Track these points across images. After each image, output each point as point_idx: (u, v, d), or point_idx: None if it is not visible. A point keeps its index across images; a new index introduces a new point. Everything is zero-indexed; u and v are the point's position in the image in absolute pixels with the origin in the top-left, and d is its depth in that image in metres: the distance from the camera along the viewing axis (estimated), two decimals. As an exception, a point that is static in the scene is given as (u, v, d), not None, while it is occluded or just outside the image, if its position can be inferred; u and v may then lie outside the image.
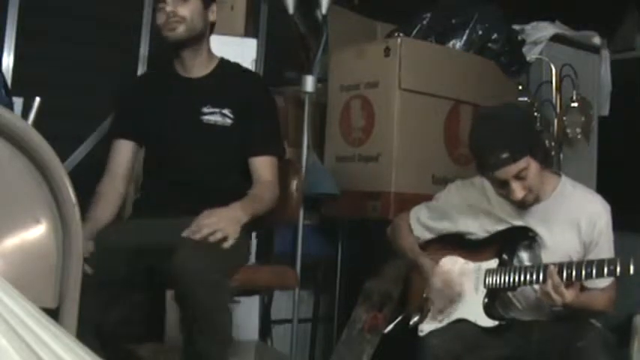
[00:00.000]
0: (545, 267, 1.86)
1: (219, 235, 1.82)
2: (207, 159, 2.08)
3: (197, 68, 2.13)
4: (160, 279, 1.88)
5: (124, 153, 2.14)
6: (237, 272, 1.93)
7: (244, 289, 2.14)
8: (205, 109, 2.08)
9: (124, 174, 2.14)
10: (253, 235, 2.44)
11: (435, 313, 2.05)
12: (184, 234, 1.82)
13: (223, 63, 2.19)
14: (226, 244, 1.83)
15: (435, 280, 2.06)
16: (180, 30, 2.05)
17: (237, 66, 2.23)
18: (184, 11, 2.05)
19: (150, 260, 1.87)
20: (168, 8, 2.04)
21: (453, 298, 2.03)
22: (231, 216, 1.89)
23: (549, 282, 1.82)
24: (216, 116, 2.09)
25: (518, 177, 1.87)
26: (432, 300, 2.05)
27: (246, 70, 2.27)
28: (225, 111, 2.09)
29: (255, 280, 2.12)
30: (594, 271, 1.78)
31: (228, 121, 2.09)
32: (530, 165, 1.86)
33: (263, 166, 2.11)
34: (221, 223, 1.84)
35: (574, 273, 1.80)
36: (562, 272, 1.82)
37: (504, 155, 1.84)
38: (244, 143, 2.10)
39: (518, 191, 1.88)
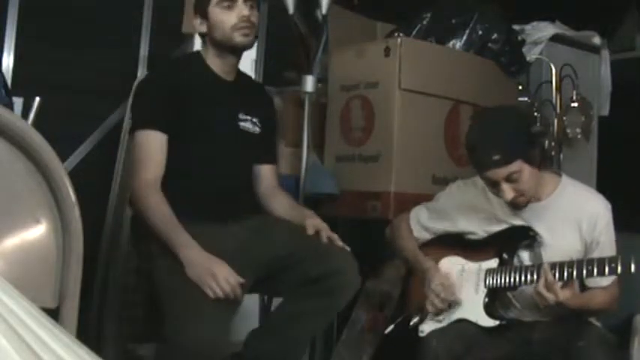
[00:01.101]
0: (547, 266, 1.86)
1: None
2: (241, 164, 2.11)
3: (231, 73, 2.11)
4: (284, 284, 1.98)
5: (163, 147, 1.92)
6: None
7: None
8: (241, 116, 2.09)
9: (162, 174, 1.92)
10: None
11: (435, 314, 2.05)
12: (325, 240, 1.96)
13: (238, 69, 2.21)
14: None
15: (436, 282, 2.05)
16: (251, 37, 2.02)
17: (245, 74, 2.26)
18: (254, 18, 2.02)
19: (275, 266, 1.96)
20: (245, 12, 1.98)
21: (453, 299, 2.03)
22: None
23: (542, 280, 1.82)
24: (248, 124, 2.10)
25: (509, 179, 1.87)
26: (433, 301, 2.05)
27: (255, 80, 2.36)
28: (255, 119, 2.12)
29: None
30: (595, 270, 1.78)
31: (257, 130, 2.13)
32: (522, 169, 1.86)
33: (272, 174, 2.20)
34: None
35: (575, 272, 1.81)
36: (563, 271, 1.82)
37: (496, 157, 1.84)
38: (263, 151, 2.17)
39: (507, 193, 1.89)
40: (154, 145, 1.91)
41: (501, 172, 1.86)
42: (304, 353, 2.09)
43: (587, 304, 1.93)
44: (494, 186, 1.93)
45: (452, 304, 2.03)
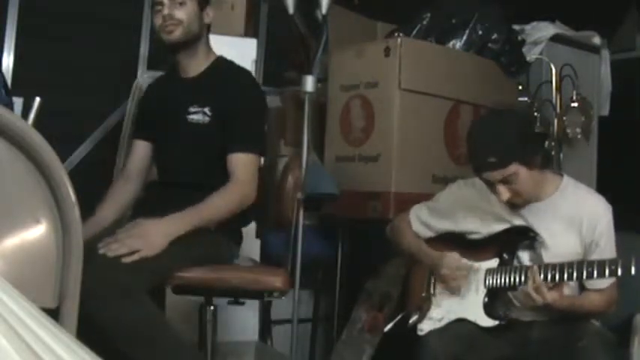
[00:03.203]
0: (546, 267, 1.86)
1: (123, 251, 1.76)
2: (191, 158, 2.11)
3: (193, 68, 2.16)
4: None
5: (138, 152, 2.23)
6: (171, 273, 1.87)
7: (241, 292, 2.10)
8: (191, 109, 2.10)
9: (138, 173, 2.21)
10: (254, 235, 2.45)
11: (437, 308, 2.05)
12: (100, 244, 1.77)
13: (219, 62, 2.19)
14: (129, 259, 1.75)
15: (447, 264, 2.05)
16: (177, 33, 2.08)
17: (231, 64, 2.20)
18: (181, 14, 2.08)
19: None
20: (165, 11, 2.07)
21: (459, 284, 2.03)
22: (160, 231, 1.84)
23: (530, 282, 1.83)
24: (199, 115, 2.10)
25: (505, 181, 1.88)
26: (448, 282, 2.04)
27: (237, 68, 2.20)
28: (206, 109, 2.09)
29: (246, 282, 2.05)
30: (595, 272, 1.78)
31: (207, 119, 2.09)
32: (518, 172, 1.86)
33: (238, 164, 2.04)
34: (140, 240, 1.79)
35: (575, 273, 1.81)
36: (563, 272, 1.82)
37: (491, 159, 1.85)
38: (223, 139, 2.06)
39: (503, 194, 1.90)
40: (131, 153, 2.25)
41: (497, 174, 1.87)
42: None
43: (580, 306, 1.93)
44: (490, 186, 1.94)
45: (458, 289, 2.03)
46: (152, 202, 2.10)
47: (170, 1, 2.08)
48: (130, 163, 2.24)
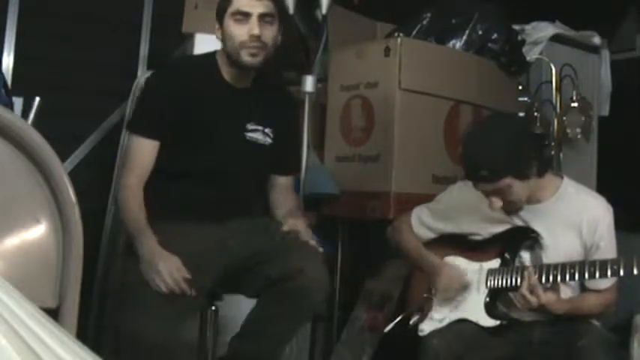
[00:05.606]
0: (547, 267, 1.86)
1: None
2: (245, 174, 2.06)
3: (245, 81, 2.05)
4: (256, 283, 1.95)
5: (152, 154, 1.95)
6: None
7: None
8: (249, 126, 2.04)
9: (146, 178, 1.95)
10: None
11: (438, 309, 2.05)
12: (305, 238, 1.94)
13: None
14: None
15: (442, 276, 2.05)
16: (260, 58, 1.95)
17: (266, 77, 2.17)
18: (268, 36, 1.94)
19: (247, 266, 1.93)
20: (255, 31, 1.90)
21: (457, 294, 2.03)
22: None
23: (525, 283, 1.82)
24: (259, 134, 2.06)
25: (498, 193, 1.87)
26: (444, 293, 2.04)
27: (281, 88, 2.27)
28: (267, 130, 2.07)
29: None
30: (597, 272, 1.78)
31: (269, 141, 2.08)
32: (511, 184, 1.86)
33: (290, 184, 2.19)
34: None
35: (577, 273, 1.81)
36: (565, 272, 1.82)
37: (483, 172, 1.85)
38: (277, 162, 2.13)
39: (495, 203, 1.90)
40: (141, 153, 1.96)
41: (489, 187, 1.87)
42: (281, 354, 2.04)
43: (577, 307, 1.93)
44: (484, 195, 1.94)
45: (457, 299, 2.03)
46: (194, 211, 1.95)
47: (260, 18, 1.92)
48: (142, 165, 1.94)
